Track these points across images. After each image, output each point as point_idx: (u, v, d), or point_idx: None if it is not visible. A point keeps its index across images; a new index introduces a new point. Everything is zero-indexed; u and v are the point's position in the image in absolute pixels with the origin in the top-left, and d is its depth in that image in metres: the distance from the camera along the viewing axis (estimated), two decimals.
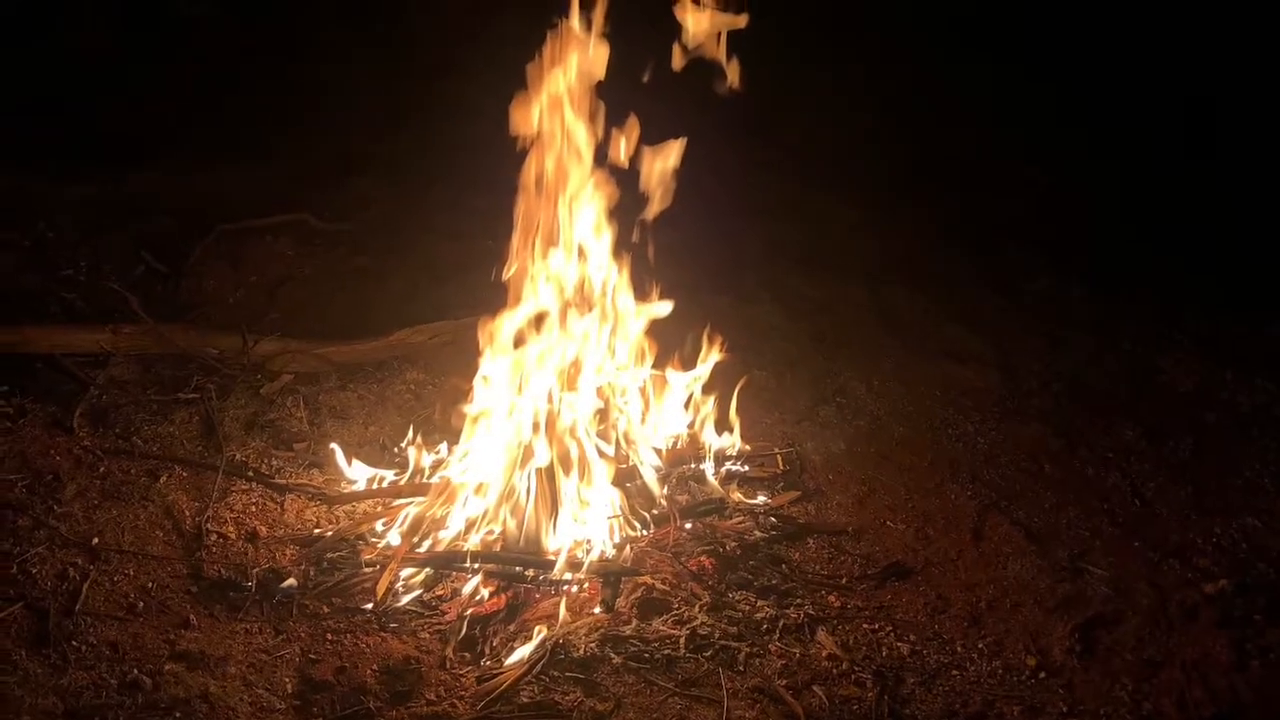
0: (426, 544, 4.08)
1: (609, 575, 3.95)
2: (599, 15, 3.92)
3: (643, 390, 4.59)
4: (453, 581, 3.97)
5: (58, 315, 5.48)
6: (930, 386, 5.48)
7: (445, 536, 4.10)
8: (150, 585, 3.83)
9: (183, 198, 6.62)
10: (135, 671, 3.43)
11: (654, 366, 4.58)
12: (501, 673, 3.57)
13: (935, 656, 3.80)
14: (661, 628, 3.80)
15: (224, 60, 7.90)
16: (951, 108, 7.92)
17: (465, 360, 4.39)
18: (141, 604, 3.73)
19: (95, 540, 3.98)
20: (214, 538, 4.10)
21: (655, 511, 4.34)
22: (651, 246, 4.21)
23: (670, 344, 4.67)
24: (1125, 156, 7.51)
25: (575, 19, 3.93)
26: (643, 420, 4.59)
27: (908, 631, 3.91)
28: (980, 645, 3.86)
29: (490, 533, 4.11)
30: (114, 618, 3.65)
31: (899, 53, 8.04)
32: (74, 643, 3.53)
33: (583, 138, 4.01)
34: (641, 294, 4.33)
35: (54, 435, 4.57)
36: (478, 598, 3.89)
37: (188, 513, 4.22)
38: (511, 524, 4.08)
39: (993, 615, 4.01)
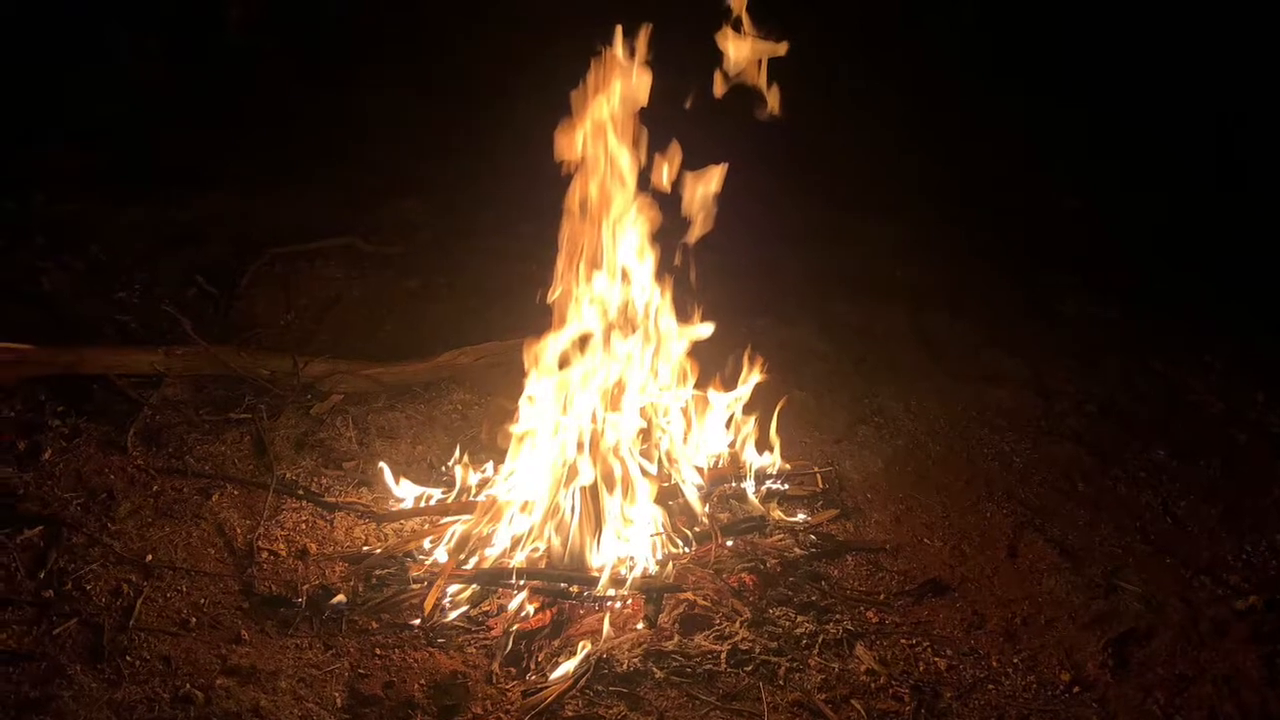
0: (473, 561, 4.15)
1: (651, 591, 4.00)
2: (642, 43, 4.00)
3: (685, 410, 4.65)
4: (499, 598, 4.03)
5: (112, 337, 5.59)
6: (967, 407, 5.53)
7: (491, 554, 4.17)
8: (202, 601, 3.91)
9: (235, 222, 6.76)
10: (187, 686, 3.51)
11: (696, 387, 4.64)
12: (546, 687, 3.63)
13: (971, 671, 3.85)
14: (703, 643, 3.86)
15: (276, 90, 8.06)
16: (987, 134, 7.98)
17: (511, 381, 4.46)
18: (194, 620, 3.81)
19: (149, 557, 4.07)
20: (265, 555, 4.18)
21: (697, 529, 4.41)
22: (693, 270, 4.28)
23: (712, 365, 4.73)
24: (1158, 181, 7.56)
25: (619, 47, 4.01)
26: (685, 439, 4.65)
27: (944, 646, 3.95)
28: (1015, 660, 3.91)
29: (535, 550, 4.18)
30: (167, 633, 3.73)
31: (935, 81, 8.11)
32: (128, 658, 3.61)
33: (626, 163, 4.08)
34: (684, 316, 4.40)
35: (108, 454, 4.67)
36: (523, 614, 3.95)
37: (239, 530, 4.31)
38: (556, 541, 4.15)
39: (1028, 631, 4.06)
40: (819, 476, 4.87)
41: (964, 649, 3.95)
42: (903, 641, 3.96)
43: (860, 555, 4.46)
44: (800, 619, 4.00)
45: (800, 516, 4.64)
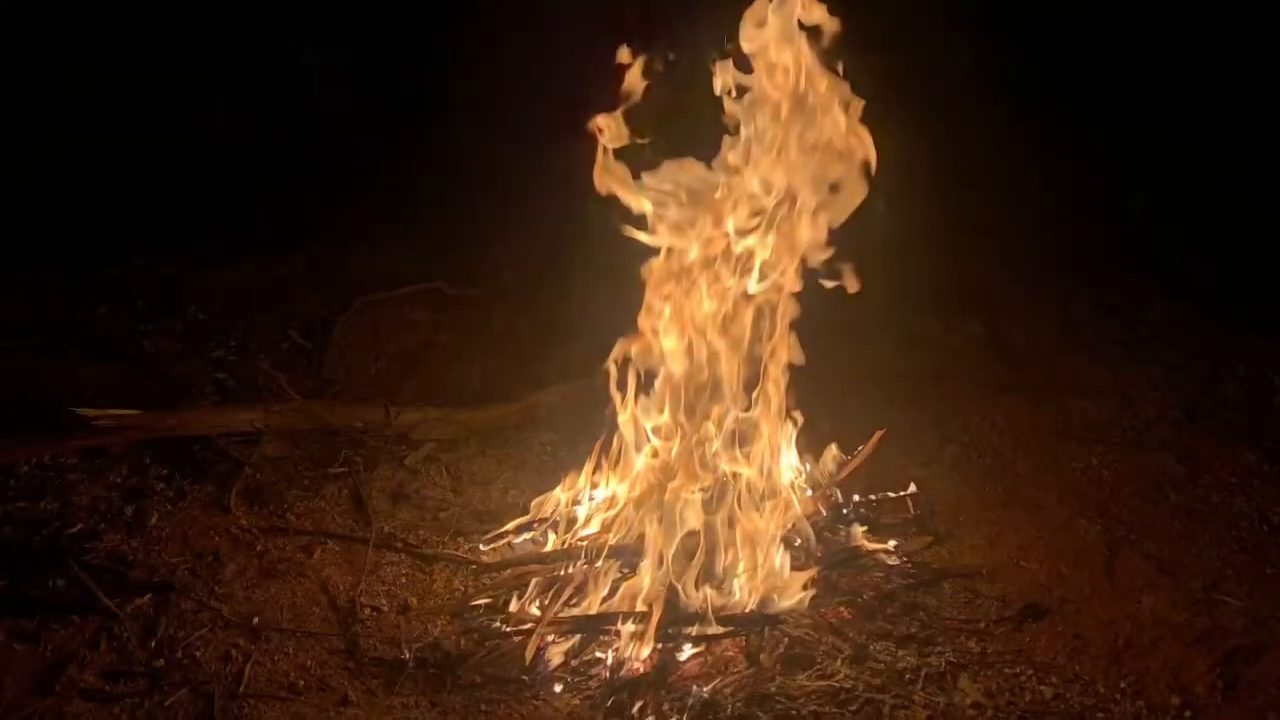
0: (574, 607, 4.18)
1: (752, 628, 4.02)
2: None
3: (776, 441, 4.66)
4: (602, 644, 4.05)
5: (212, 396, 5.74)
6: (1052, 420, 5.53)
7: (594, 599, 4.19)
8: (309, 663, 3.97)
9: (326, 276, 6.93)
10: None
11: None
12: None
13: (1079, 699, 3.81)
14: (806, 682, 3.85)
15: (361, 144, 8.21)
16: (1053, 135, 7.89)
17: (598, 420, 4.52)
18: (302, 682, 3.87)
19: (255, 620, 4.14)
20: (368, 612, 4.24)
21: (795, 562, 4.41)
22: None
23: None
24: (1228, 179, 7.44)
25: None
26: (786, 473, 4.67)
27: (1049, 674, 3.92)
28: (1122, 685, 3.87)
29: (638, 592, 4.20)
30: (276, 698, 3.78)
31: (1001, 86, 8.05)
32: None
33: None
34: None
35: (212, 516, 4.77)
36: (626, 659, 3.98)
37: (341, 587, 4.38)
38: (659, 583, 4.16)
39: (1131, 653, 4.01)
40: (910, 502, 4.86)
41: (1068, 675, 3.91)
42: (1006, 670, 3.93)
43: (956, 582, 4.44)
44: (901, 653, 3.99)
45: (893, 544, 4.63)
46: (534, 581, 4.33)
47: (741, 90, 4.08)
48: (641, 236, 4.16)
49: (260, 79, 8.51)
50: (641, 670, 3.95)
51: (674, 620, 4.06)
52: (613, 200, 4.15)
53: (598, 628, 4.07)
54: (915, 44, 7.76)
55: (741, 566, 4.22)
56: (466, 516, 4.84)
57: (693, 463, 4.22)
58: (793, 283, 4.13)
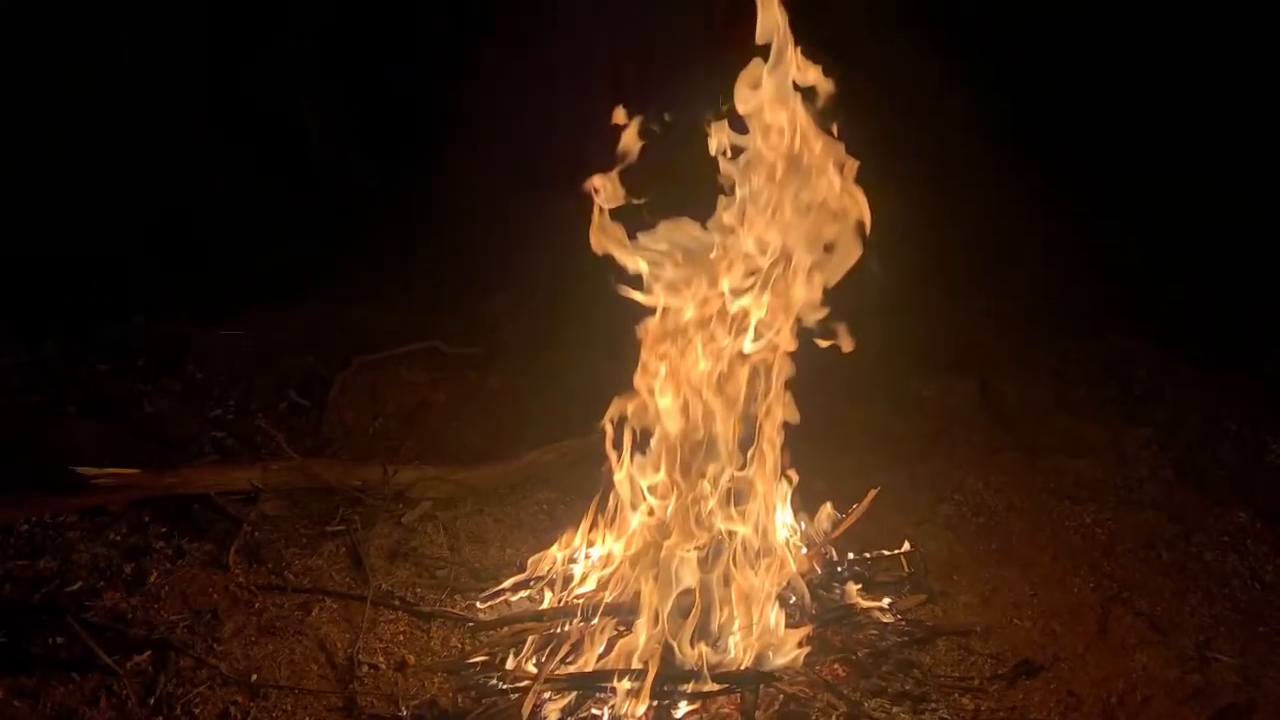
0: (571, 664, 4.19)
1: (747, 685, 4.04)
2: None
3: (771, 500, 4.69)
4: (598, 702, 4.05)
5: (211, 455, 5.77)
6: (1046, 479, 5.57)
7: (590, 656, 4.21)
8: None
9: (324, 333, 6.99)
10: None
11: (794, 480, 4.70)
12: None
13: None
14: None
15: (359, 199, 8.31)
16: (1045, 199, 7.98)
17: (595, 478, 4.55)
18: None
19: (254, 677, 4.15)
20: (365, 669, 4.25)
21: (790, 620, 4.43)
22: None
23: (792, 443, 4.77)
24: (1221, 238, 7.53)
25: None
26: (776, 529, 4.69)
27: None
28: None
29: (633, 649, 4.21)
30: None
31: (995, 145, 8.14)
32: None
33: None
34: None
35: (211, 574, 4.78)
36: (623, 717, 3.98)
37: (339, 644, 4.39)
38: (655, 641, 4.17)
39: (1124, 710, 4.04)
40: (904, 560, 4.88)
41: None
42: None
43: (951, 639, 4.46)
44: (896, 710, 4.00)
45: (887, 602, 4.65)
46: (530, 639, 4.35)
47: (737, 151, 4.14)
48: (637, 296, 4.20)
49: (260, 131, 8.61)
50: None
51: (669, 678, 4.06)
52: (609, 260, 4.20)
53: (594, 685, 4.08)
54: (908, 104, 7.87)
55: (737, 624, 4.23)
56: (464, 574, 4.87)
57: (688, 521, 4.25)
58: (788, 342, 4.18)
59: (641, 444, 4.37)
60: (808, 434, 4.63)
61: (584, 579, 4.61)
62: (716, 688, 4.04)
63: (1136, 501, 5.39)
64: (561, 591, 4.61)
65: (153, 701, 4.00)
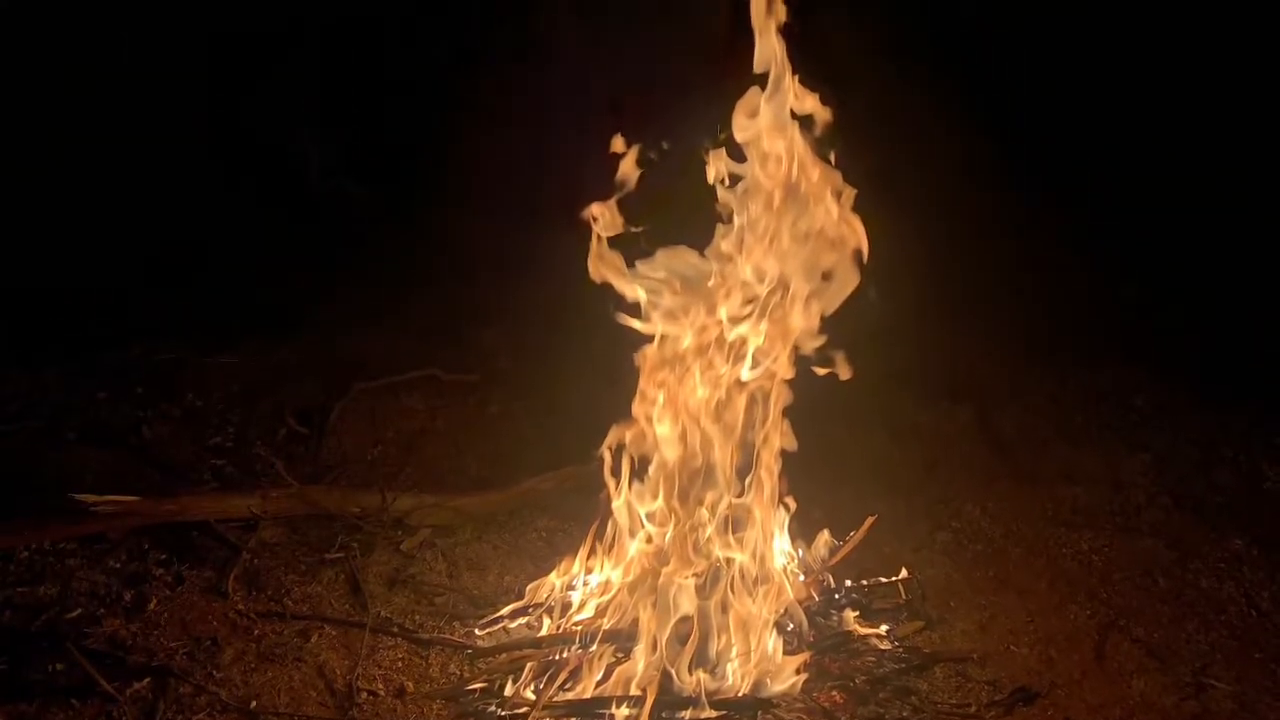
0: (569, 691, 4.20)
1: (745, 712, 4.05)
2: None
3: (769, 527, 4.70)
4: None
5: (210, 482, 5.77)
6: (1043, 506, 5.59)
7: (588, 683, 4.22)
8: None
9: (323, 361, 6.99)
10: None
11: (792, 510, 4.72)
12: None
13: None
14: None
15: (356, 228, 8.35)
16: (1040, 223, 8.03)
17: (593, 504, 4.57)
18: None
19: (253, 704, 4.15)
20: (364, 696, 4.25)
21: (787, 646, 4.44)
22: None
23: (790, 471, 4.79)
24: (1218, 266, 7.57)
25: None
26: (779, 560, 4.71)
27: None
28: None
29: (632, 676, 4.22)
30: None
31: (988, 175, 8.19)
32: None
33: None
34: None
35: (210, 601, 4.78)
36: None
37: (339, 671, 4.39)
38: (653, 668, 4.19)
39: None
40: (901, 587, 4.90)
41: None
42: None
43: (948, 666, 4.46)
44: None
45: (885, 628, 4.66)
46: (529, 666, 4.36)
47: (735, 179, 4.17)
48: (636, 324, 4.23)
49: (260, 162, 8.65)
50: None
51: (668, 704, 4.08)
52: (607, 288, 4.23)
53: (592, 712, 4.10)
54: (904, 132, 7.92)
55: (734, 651, 4.24)
56: (462, 601, 4.87)
57: (686, 548, 4.27)
58: (785, 370, 4.20)
59: (640, 471, 4.39)
60: (805, 461, 4.66)
61: (582, 606, 4.62)
62: (714, 714, 4.05)
63: (1134, 528, 5.41)
64: (560, 618, 4.61)
65: None
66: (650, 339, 4.26)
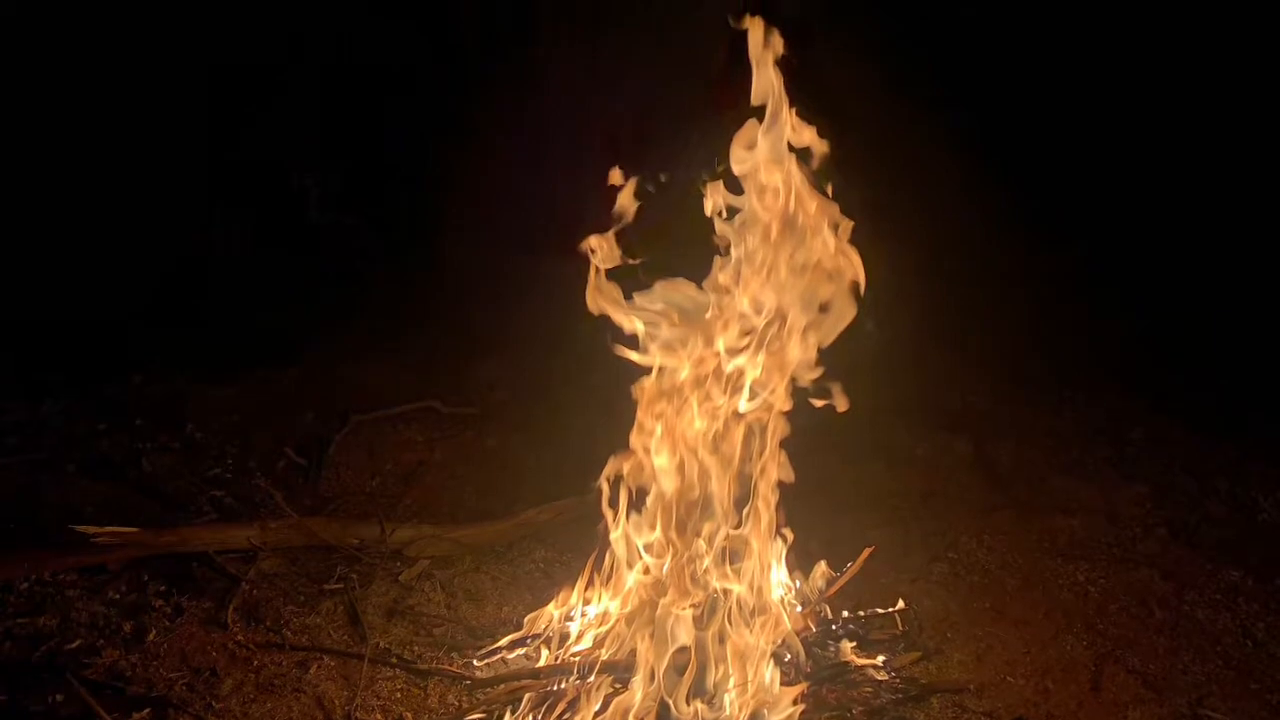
0: None
1: None
2: None
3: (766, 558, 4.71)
4: None
5: (209, 513, 5.78)
6: (1039, 538, 5.61)
7: (586, 714, 4.21)
8: None
9: (322, 393, 7.03)
10: None
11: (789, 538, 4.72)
12: None
13: None
14: None
15: (355, 261, 8.39)
16: (1039, 260, 8.08)
17: (591, 536, 4.58)
18: None
19: None
20: None
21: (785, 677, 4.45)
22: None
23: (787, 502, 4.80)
24: (1215, 299, 7.61)
25: None
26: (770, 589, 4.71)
27: None
28: None
29: (629, 707, 4.22)
30: None
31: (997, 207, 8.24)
32: None
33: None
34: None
35: (210, 632, 4.79)
36: None
37: (337, 702, 4.40)
38: (651, 698, 4.19)
39: None
40: (898, 618, 4.90)
41: None
42: None
43: (945, 697, 4.48)
44: None
45: (882, 659, 4.67)
46: (527, 697, 4.36)
47: (732, 211, 4.20)
48: (633, 356, 4.25)
49: (259, 195, 8.70)
50: None
51: None
52: (605, 320, 4.25)
53: None
54: (904, 165, 7.96)
55: (732, 682, 4.24)
56: (461, 632, 4.88)
57: (684, 579, 4.27)
58: (783, 401, 4.22)
59: (637, 502, 4.40)
60: (802, 493, 4.66)
61: (580, 636, 4.62)
62: None
63: (1130, 560, 5.44)
64: (558, 649, 4.61)
65: None
66: (648, 371, 4.28)
